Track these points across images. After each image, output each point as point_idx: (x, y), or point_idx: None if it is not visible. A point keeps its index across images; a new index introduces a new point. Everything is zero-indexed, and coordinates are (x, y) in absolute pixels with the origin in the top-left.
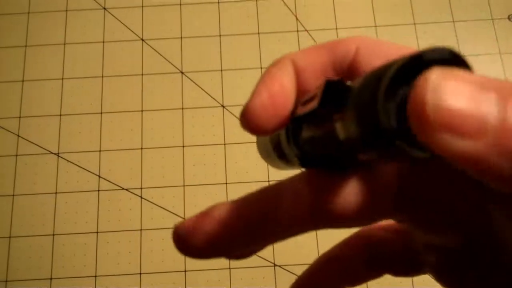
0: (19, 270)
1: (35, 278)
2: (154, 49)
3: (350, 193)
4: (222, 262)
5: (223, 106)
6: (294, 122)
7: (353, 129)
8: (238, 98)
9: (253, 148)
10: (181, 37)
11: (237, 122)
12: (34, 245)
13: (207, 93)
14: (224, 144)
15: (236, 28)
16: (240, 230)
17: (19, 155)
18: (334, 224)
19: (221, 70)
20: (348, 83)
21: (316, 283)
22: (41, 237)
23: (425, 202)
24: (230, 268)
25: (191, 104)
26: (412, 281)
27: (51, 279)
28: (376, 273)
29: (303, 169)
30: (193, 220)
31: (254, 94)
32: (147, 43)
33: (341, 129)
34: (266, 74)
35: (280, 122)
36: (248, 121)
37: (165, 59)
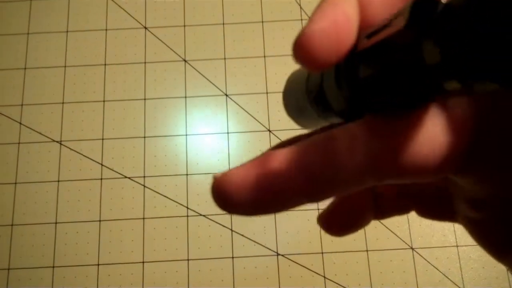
0: (22, 258)
1: (38, 266)
2: (157, 37)
3: (431, 138)
4: (225, 251)
5: (226, 95)
6: (350, 60)
7: (458, 46)
8: (242, 86)
9: (256, 136)
10: (184, 25)
11: (240, 111)
12: (36, 233)
13: (211, 82)
14: (227, 133)
15: (239, 16)
16: (302, 184)
17: (22, 143)
18: (403, 178)
19: (225, 59)
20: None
21: (344, 211)
22: (44, 225)
23: (505, 152)
24: (233, 257)
25: (194, 92)
26: (417, 281)
27: (53, 267)
28: (404, 207)
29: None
30: (244, 172)
31: (311, 21)
32: (150, 31)
33: (432, 51)
34: (325, 2)
35: (341, 56)
36: (304, 49)
37: (168, 47)
